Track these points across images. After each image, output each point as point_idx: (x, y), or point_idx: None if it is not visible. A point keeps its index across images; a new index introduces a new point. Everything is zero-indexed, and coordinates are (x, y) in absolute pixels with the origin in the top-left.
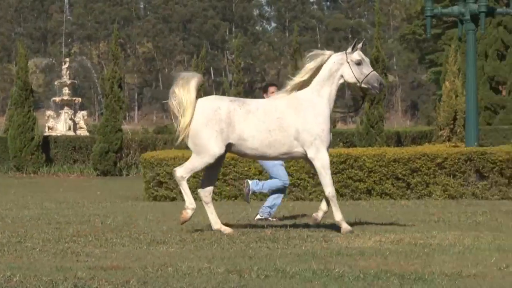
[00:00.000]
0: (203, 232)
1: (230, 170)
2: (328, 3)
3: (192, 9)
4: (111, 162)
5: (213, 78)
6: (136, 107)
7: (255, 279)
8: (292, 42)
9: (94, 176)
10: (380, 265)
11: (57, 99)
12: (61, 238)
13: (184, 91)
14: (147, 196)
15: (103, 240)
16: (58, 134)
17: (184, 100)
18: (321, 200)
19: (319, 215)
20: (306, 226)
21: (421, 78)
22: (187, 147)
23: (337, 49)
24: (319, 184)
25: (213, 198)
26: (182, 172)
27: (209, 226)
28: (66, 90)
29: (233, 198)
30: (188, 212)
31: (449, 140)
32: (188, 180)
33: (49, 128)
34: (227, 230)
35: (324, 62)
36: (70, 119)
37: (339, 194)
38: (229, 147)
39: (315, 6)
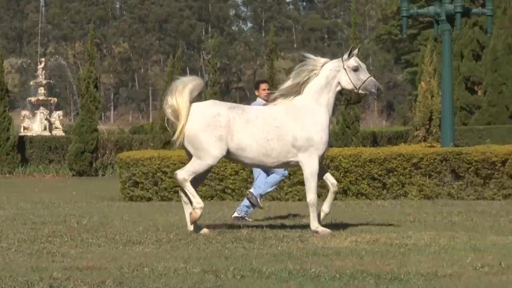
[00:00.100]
0: (179, 232)
1: None
2: (304, 3)
3: (168, 9)
4: (87, 162)
5: None
6: (112, 107)
7: (231, 279)
8: (269, 42)
9: (69, 176)
10: (356, 265)
11: (33, 99)
12: (37, 239)
13: (176, 96)
14: (123, 196)
15: (79, 240)
16: (34, 134)
17: (177, 104)
18: (323, 202)
19: (321, 216)
20: (282, 226)
21: (397, 78)
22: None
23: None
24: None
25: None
26: (184, 174)
27: (185, 226)
28: (41, 90)
29: (209, 198)
30: (197, 212)
31: (424, 140)
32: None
33: (24, 128)
34: (203, 230)
35: (317, 69)
36: (46, 119)
37: None
38: (226, 153)
39: (291, 6)
